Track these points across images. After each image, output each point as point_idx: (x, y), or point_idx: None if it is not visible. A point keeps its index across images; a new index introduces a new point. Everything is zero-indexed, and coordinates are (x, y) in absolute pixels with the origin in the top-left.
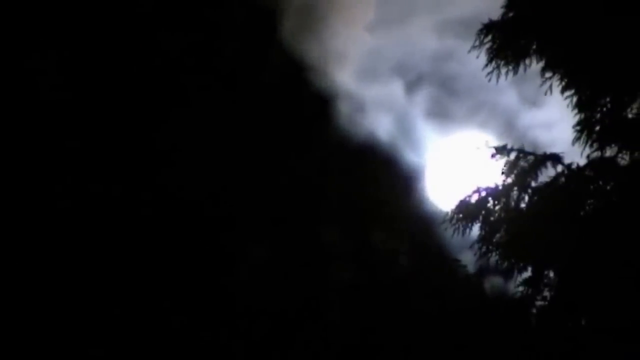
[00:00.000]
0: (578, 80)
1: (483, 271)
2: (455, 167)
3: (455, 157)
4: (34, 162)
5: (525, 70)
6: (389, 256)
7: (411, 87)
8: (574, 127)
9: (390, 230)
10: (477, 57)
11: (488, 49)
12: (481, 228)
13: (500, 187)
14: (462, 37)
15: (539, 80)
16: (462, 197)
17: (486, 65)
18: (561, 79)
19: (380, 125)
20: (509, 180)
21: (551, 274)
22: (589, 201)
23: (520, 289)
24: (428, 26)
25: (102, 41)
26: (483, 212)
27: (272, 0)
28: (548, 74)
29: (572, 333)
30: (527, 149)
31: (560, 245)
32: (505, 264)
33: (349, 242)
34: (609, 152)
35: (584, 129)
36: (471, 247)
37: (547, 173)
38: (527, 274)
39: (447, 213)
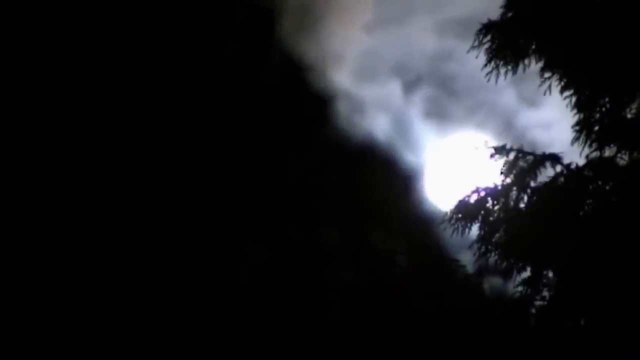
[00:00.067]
0: (577, 80)
1: (482, 271)
2: (454, 167)
3: (454, 157)
4: (34, 162)
5: (524, 70)
6: (388, 256)
7: (410, 87)
8: (573, 127)
9: (389, 230)
10: (476, 57)
11: (487, 49)
12: (480, 228)
13: (499, 187)
14: (461, 37)
15: (538, 80)
16: (461, 197)
17: (485, 65)
18: (560, 79)
19: (378, 125)
20: (508, 180)
21: (550, 274)
22: (588, 201)
23: (520, 289)
24: (427, 26)
25: (102, 41)
26: (482, 212)
27: (271, 0)
28: (547, 74)
29: (572, 333)
30: (526, 149)
31: (560, 245)
32: (505, 264)
33: (348, 242)
34: (608, 152)
35: (583, 129)
36: (470, 247)
37: (546, 173)
38: (527, 274)
39: (446, 213)
